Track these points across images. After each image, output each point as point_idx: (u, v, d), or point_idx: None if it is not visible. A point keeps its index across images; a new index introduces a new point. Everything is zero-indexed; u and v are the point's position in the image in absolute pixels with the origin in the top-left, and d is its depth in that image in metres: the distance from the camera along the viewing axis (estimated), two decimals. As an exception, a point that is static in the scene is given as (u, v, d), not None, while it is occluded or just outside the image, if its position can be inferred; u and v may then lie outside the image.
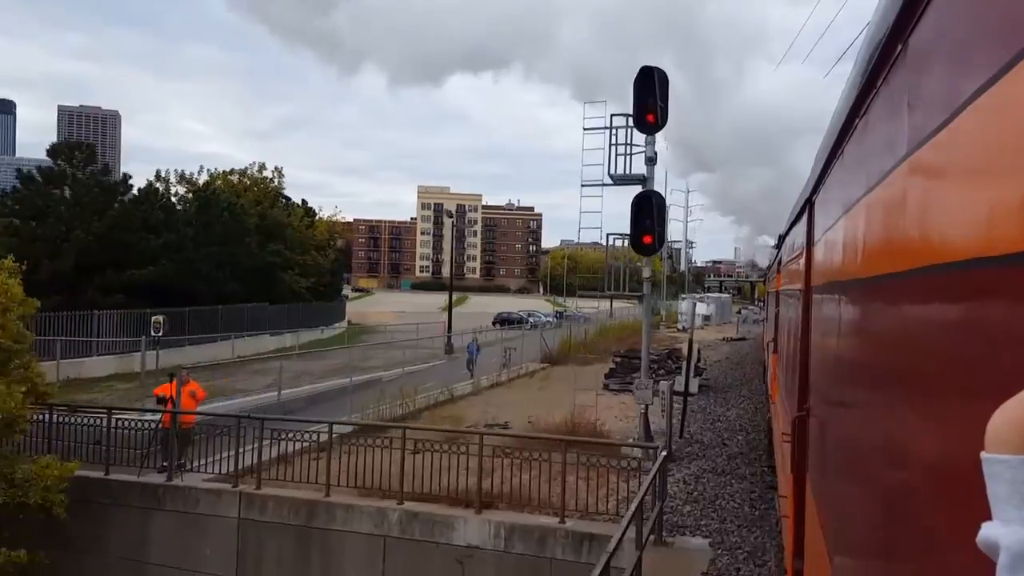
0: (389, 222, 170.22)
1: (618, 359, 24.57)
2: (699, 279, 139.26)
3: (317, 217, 47.64)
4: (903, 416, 1.44)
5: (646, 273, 12.41)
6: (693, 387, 13.78)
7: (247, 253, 32.44)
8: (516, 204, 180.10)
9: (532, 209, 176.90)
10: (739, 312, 62.99)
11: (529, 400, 21.45)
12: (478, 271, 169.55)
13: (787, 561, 4.78)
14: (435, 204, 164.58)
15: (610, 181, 13.11)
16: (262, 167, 42.58)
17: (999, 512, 0.52)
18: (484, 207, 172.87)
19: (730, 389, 23.89)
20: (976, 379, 0.97)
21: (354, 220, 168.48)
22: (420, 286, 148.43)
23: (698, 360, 24.75)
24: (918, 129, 1.34)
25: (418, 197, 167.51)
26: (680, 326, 50.34)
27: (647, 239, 12.17)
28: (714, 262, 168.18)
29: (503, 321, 57.63)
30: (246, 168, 42.36)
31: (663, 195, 12.37)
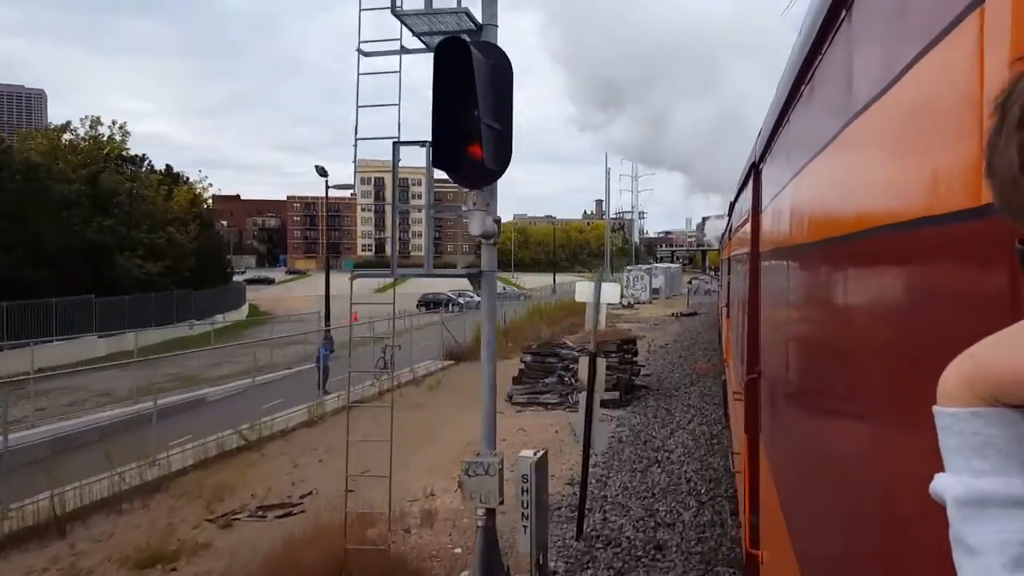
0: (327, 199, 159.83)
1: (528, 356, 18.00)
2: (651, 250, 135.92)
3: (187, 187, 39.26)
4: (849, 375, 1.50)
5: (476, 228, 5.74)
6: (600, 442, 7.29)
7: (59, 230, 24.70)
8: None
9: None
10: (690, 282, 58.44)
11: (387, 433, 14.85)
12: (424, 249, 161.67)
13: (743, 516, 4.75)
14: (375, 179, 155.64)
15: (416, 41, 6.35)
16: (96, 122, 34.02)
17: (949, 463, 0.54)
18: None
19: (676, 391, 17.65)
20: (919, 337, 0.99)
21: (288, 197, 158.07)
22: (363, 266, 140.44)
23: (633, 355, 18.49)
24: (862, 94, 1.37)
25: (356, 172, 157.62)
26: (625, 301, 44.26)
27: (473, 149, 5.48)
28: (666, 232, 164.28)
29: (428, 303, 51.03)
30: (68, 123, 33.64)
31: (509, 58, 5.69)
